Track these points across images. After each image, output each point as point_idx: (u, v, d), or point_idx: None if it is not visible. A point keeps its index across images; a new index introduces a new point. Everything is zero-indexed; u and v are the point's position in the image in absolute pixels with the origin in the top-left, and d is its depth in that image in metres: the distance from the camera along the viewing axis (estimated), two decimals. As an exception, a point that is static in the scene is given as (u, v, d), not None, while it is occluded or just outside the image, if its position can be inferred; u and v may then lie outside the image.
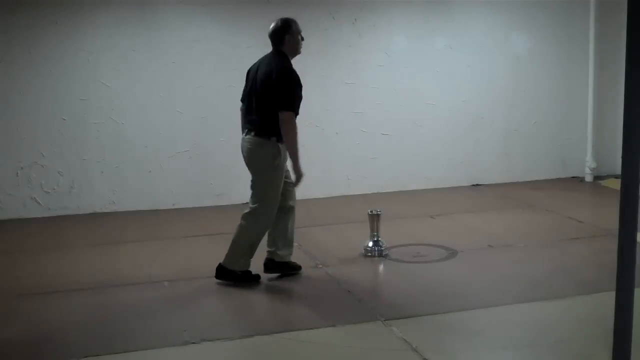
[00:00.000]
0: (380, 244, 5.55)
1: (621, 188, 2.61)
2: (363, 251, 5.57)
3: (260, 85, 4.76)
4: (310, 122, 7.70)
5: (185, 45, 7.29)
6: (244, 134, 4.90)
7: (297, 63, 7.56)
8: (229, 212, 7.22)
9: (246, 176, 7.54)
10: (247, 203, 7.55)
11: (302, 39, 4.93)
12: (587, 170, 8.50)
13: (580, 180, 8.54)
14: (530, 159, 8.59)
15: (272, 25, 4.92)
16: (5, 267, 5.47)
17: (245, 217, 4.88)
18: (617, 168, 7.91)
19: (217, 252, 5.77)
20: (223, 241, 6.11)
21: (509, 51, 8.36)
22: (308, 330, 4.04)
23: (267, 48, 7.46)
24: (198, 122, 7.41)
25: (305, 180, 7.69)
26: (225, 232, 6.43)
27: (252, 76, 4.90)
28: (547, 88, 8.53)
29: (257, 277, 4.90)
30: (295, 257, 5.56)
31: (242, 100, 5.02)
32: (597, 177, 8.49)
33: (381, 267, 5.42)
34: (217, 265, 4.88)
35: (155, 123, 7.30)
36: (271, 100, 4.70)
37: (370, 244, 5.56)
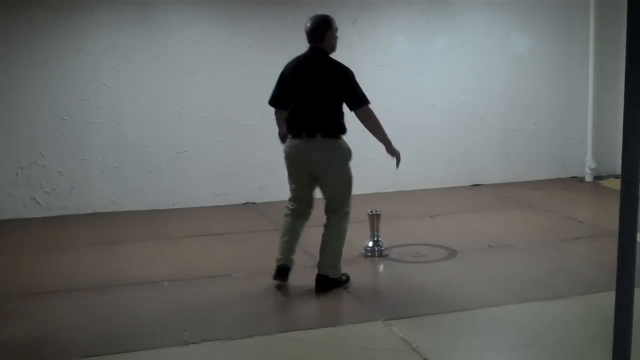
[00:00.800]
0: (380, 244, 5.55)
1: (621, 188, 2.60)
2: (363, 251, 5.57)
3: (320, 85, 4.58)
4: (310, 122, 7.72)
5: (186, 45, 7.29)
6: (303, 137, 4.61)
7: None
8: (229, 212, 7.23)
9: (246, 176, 7.58)
10: (247, 203, 7.63)
11: (337, 37, 4.81)
12: (587, 170, 8.51)
13: (580, 180, 8.54)
14: (530, 159, 8.60)
15: (310, 22, 4.76)
16: (5, 267, 5.47)
17: (333, 222, 4.71)
18: (617, 168, 7.91)
19: (217, 252, 5.79)
20: (223, 241, 6.14)
21: (509, 51, 8.36)
22: (308, 330, 4.04)
23: (266, 47, 7.54)
24: (198, 122, 7.41)
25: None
26: (226, 232, 6.45)
27: (298, 78, 4.67)
28: (547, 88, 8.53)
29: (348, 278, 4.84)
30: (295, 257, 5.57)
31: (277, 104, 4.81)
32: (597, 177, 8.49)
33: (381, 267, 5.42)
34: (316, 277, 4.72)
35: (155, 123, 7.30)
36: (334, 100, 4.58)
37: (370, 244, 5.56)
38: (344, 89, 4.58)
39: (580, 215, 6.67)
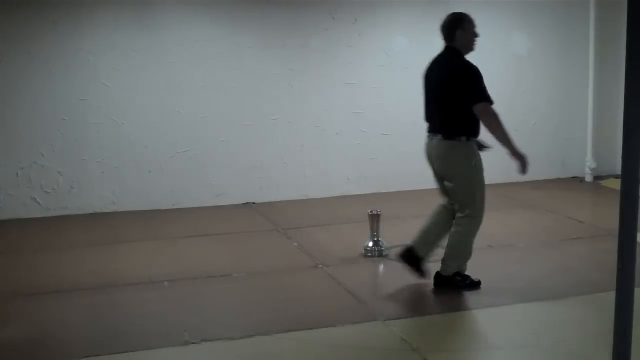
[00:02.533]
0: (380, 244, 5.55)
1: (621, 188, 2.61)
2: (363, 251, 5.57)
3: (439, 86, 4.56)
4: (310, 122, 7.72)
5: (185, 45, 7.29)
6: (429, 139, 4.65)
7: (297, 62, 7.62)
8: (229, 212, 7.23)
9: (246, 176, 7.58)
10: (247, 203, 7.64)
11: (477, 35, 4.64)
12: (587, 170, 8.50)
13: (580, 180, 8.54)
14: (530, 159, 8.54)
15: (442, 20, 4.73)
16: (5, 267, 5.47)
17: (457, 222, 4.61)
18: (617, 168, 7.90)
19: (217, 252, 5.79)
20: (223, 241, 6.14)
21: (509, 51, 8.35)
22: (308, 330, 4.04)
23: (266, 47, 7.54)
24: (198, 122, 7.41)
25: (305, 180, 7.78)
26: (226, 232, 6.46)
27: (429, 79, 4.70)
28: (547, 88, 8.52)
29: (478, 282, 4.70)
30: (295, 257, 5.57)
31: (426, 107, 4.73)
32: (597, 177, 8.48)
33: (381, 267, 5.42)
34: (435, 274, 4.68)
35: (155, 123, 7.29)
36: (454, 100, 4.48)
37: (370, 244, 5.55)
38: (462, 86, 4.46)
39: (580, 215, 6.67)
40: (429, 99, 4.67)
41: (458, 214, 4.62)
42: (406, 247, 4.75)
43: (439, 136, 4.55)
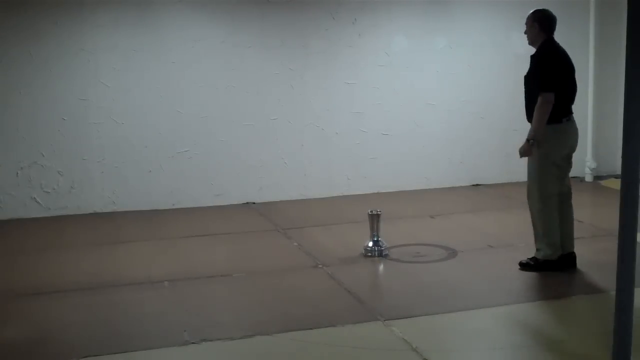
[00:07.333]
0: (380, 244, 5.55)
1: (621, 188, 2.61)
2: (363, 251, 5.57)
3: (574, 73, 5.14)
4: (310, 122, 7.72)
5: (185, 45, 7.29)
6: (573, 121, 5.04)
7: (297, 62, 7.62)
8: (229, 212, 7.23)
9: (246, 176, 7.59)
10: (247, 203, 7.65)
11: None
12: (587, 170, 8.50)
13: (580, 180, 8.53)
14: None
15: (553, 14, 5.45)
16: (5, 267, 5.47)
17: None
18: (617, 168, 7.91)
19: (217, 252, 5.79)
20: (223, 241, 6.14)
21: (509, 51, 8.34)
22: (308, 330, 4.04)
23: (266, 47, 7.53)
24: (198, 122, 7.41)
25: (305, 180, 7.78)
26: (226, 232, 6.46)
27: (570, 66, 5.22)
28: (547, 88, 8.52)
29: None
30: (295, 257, 5.57)
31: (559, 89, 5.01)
32: (597, 177, 8.48)
33: (381, 267, 5.42)
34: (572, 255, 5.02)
35: (155, 123, 7.30)
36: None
37: (370, 244, 5.55)
38: (535, 74, 5.14)
39: (580, 215, 6.64)
40: (572, 84, 5.10)
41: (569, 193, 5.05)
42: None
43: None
